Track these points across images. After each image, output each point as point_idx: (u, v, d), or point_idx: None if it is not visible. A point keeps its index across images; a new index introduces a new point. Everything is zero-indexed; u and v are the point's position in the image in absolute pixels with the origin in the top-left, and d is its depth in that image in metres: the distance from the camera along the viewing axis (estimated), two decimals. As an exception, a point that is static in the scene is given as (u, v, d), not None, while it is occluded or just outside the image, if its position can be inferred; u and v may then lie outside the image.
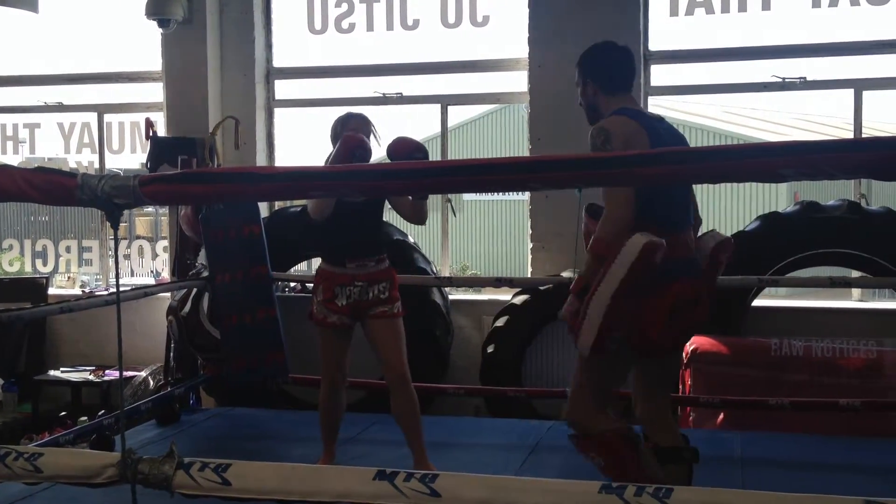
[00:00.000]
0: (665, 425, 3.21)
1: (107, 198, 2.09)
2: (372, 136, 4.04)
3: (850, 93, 5.88)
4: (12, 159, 7.42)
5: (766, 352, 5.35)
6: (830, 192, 9.67)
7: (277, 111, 6.82)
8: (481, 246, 16.67)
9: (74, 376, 6.53)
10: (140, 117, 6.77)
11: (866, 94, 5.85)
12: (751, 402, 5.04)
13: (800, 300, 7.25)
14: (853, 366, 5.24)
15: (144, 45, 6.88)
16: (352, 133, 3.90)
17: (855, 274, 5.78)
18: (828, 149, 1.78)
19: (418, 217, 3.98)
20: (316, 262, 7.02)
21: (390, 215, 4.42)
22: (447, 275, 6.46)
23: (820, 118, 15.52)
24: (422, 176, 2.15)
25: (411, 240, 6.10)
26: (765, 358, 5.34)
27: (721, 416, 5.29)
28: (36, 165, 2.19)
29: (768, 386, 5.19)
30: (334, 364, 4.14)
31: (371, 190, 2.44)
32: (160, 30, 6.46)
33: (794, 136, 14.19)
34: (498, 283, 5.81)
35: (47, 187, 2.15)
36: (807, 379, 5.24)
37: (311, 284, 4.26)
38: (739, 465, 4.45)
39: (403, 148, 3.79)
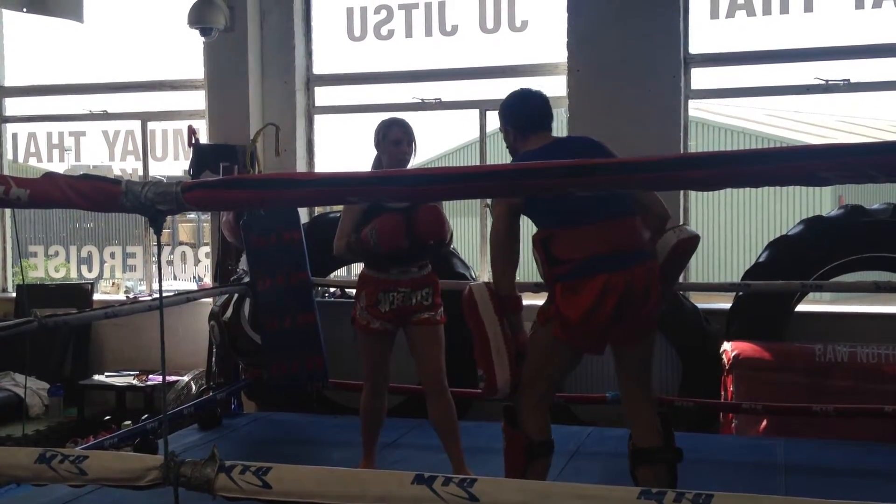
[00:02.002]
0: (642, 425, 3.29)
1: (150, 204, 2.12)
2: (412, 143, 4.05)
3: (895, 95, 5.80)
4: (58, 167, 7.56)
5: (809, 358, 5.29)
6: (876, 196, 9.51)
7: (317, 118, 6.87)
8: (521, 251, 16.57)
9: (119, 381, 6.63)
10: (183, 125, 6.86)
11: (912, 96, 5.78)
12: (794, 408, 4.99)
13: (844, 305, 7.14)
14: (899, 372, 5.16)
15: (187, 54, 6.99)
16: (386, 221, 3.87)
17: (901, 278, 5.69)
18: (869, 151, 1.75)
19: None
20: (355, 267, 7.08)
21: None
22: (486, 280, 6.43)
23: (865, 121, 15.29)
24: (458, 181, 2.15)
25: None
26: (808, 364, 5.28)
27: (764, 422, 5.23)
28: (81, 173, 2.22)
29: (812, 392, 5.13)
30: (376, 369, 4.13)
31: (407, 195, 2.45)
32: (202, 38, 6.54)
33: (839, 139, 13.98)
34: (537, 288, 5.77)
35: (93, 194, 2.18)
36: (851, 385, 5.18)
37: (351, 290, 4.27)
38: (783, 471, 4.40)
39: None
